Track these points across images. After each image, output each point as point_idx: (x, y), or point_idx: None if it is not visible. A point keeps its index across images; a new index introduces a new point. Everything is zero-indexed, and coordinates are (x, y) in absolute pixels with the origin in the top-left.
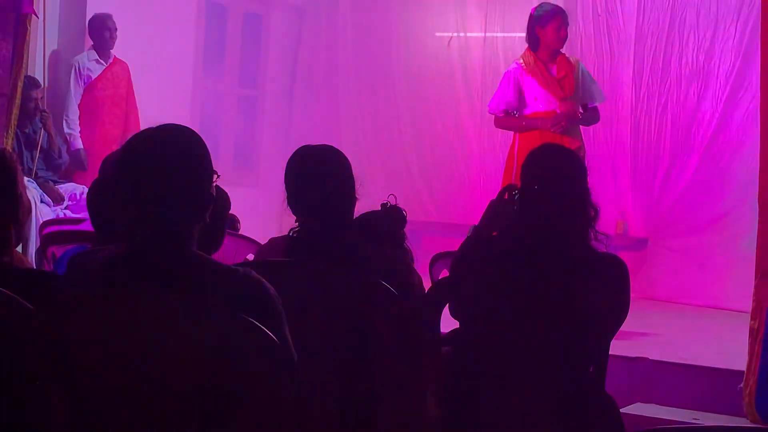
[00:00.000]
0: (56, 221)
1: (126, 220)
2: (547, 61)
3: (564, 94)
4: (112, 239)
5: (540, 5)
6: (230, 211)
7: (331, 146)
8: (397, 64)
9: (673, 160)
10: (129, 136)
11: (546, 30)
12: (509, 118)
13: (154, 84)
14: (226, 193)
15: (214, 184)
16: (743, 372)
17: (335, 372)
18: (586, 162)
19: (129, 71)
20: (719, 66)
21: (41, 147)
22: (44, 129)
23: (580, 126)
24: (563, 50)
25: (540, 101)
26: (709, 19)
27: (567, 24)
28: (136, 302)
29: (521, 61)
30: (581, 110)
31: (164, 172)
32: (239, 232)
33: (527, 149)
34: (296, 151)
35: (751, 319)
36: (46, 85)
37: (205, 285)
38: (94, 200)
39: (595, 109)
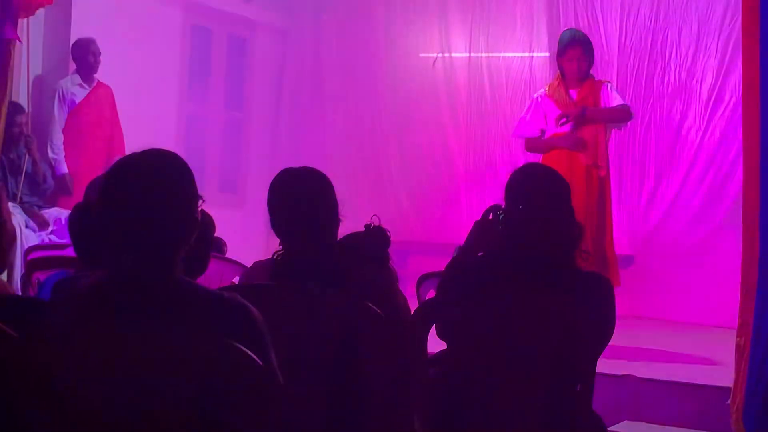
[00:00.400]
0: (41, 247)
1: (110, 245)
2: (572, 85)
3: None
4: (94, 264)
5: (562, 33)
6: (216, 234)
7: (313, 168)
8: (382, 85)
9: (659, 179)
10: (114, 160)
11: (563, 60)
12: (534, 140)
13: (139, 107)
14: (211, 217)
15: (200, 208)
16: (730, 388)
17: (322, 395)
18: (607, 185)
19: (113, 95)
20: (701, 84)
21: (26, 172)
22: (29, 154)
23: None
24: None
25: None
26: (691, 38)
27: (587, 53)
28: (122, 328)
29: (547, 86)
30: (586, 107)
31: (149, 197)
32: (226, 255)
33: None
34: (279, 173)
35: (737, 335)
36: (30, 110)
37: (191, 310)
38: (75, 225)
39: (618, 107)
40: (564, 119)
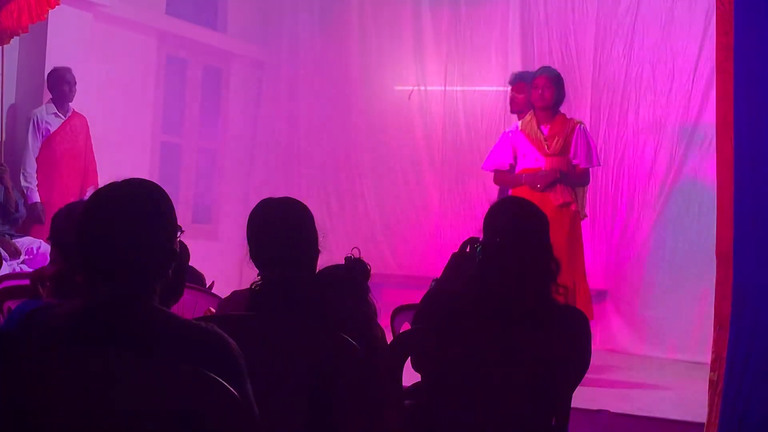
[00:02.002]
0: (12, 276)
1: (88, 274)
2: (543, 120)
3: (548, 152)
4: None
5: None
6: (191, 265)
7: (294, 199)
8: (357, 117)
9: (631, 212)
10: (87, 190)
11: (531, 92)
12: (503, 174)
13: (114, 137)
14: (186, 246)
15: (178, 239)
16: (704, 424)
17: (298, 427)
18: (577, 220)
19: (87, 125)
20: (675, 120)
21: None
22: (1, 183)
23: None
24: (564, 112)
25: (528, 158)
26: (666, 74)
27: (553, 84)
28: (97, 359)
29: (520, 121)
30: (560, 171)
31: (129, 227)
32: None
33: None
34: (258, 204)
35: (711, 370)
36: (4, 138)
37: (167, 340)
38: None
39: (584, 171)
40: (539, 186)
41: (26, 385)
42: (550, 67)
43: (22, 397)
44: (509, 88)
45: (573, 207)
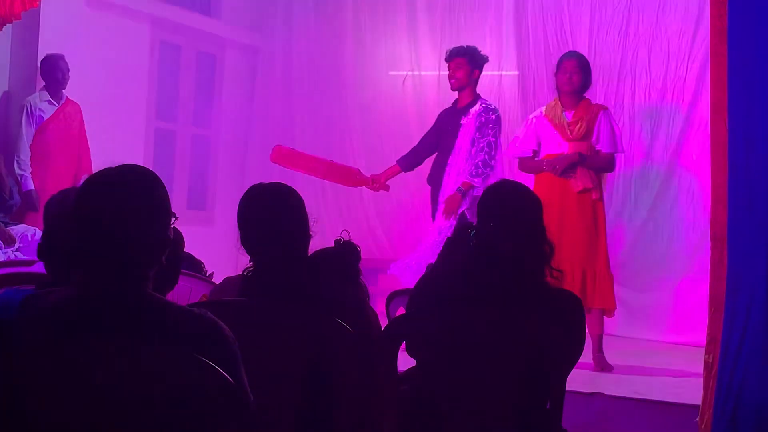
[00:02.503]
0: (7, 263)
1: (82, 261)
2: (568, 106)
3: (571, 137)
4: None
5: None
6: (190, 253)
7: (284, 184)
8: (352, 102)
9: (627, 195)
10: (81, 177)
11: (558, 74)
12: (526, 161)
13: (107, 123)
14: (180, 233)
15: (172, 226)
16: (699, 406)
17: (291, 412)
18: (600, 207)
19: (81, 112)
20: (671, 105)
21: None
22: None
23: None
24: (588, 97)
25: (551, 143)
26: (660, 58)
27: (582, 69)
28: (91, 345)
29: (544, 107)
30: (580, 154)
31: (123, 213)
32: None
33: (540, 190)
34: (248, 190)
35: (706, 353)
36: None
37: (161, 326)
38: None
39: (607, 156)
40: (557, 167)
41: (20, 372)
42: (577, 51)
43: (15, 384)
44: (452, 64)
45: (595, 194)
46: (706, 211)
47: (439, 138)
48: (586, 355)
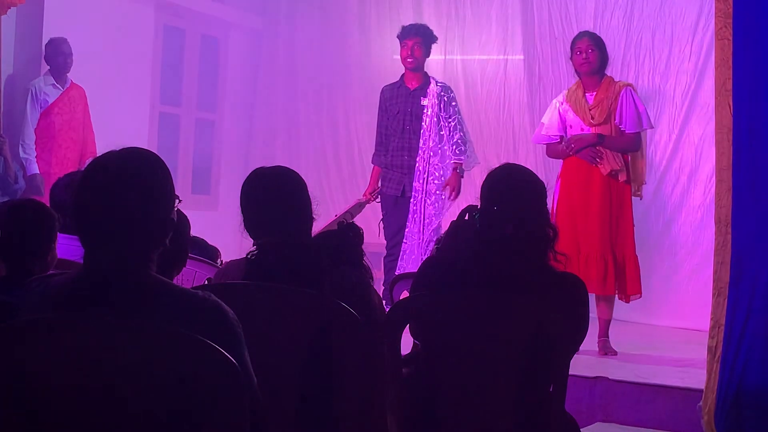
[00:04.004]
0: None
1: (85, 243)
2: (589, 87)
3: (593, 122)
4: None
5: None
6: (204, 240)
7: (286, 167)
8: (356, 86)
9: None
10: (86, 161)
11: (573, 56)
12: (553, 146)
13: (112, 107)
14: (186, 217)
15: (176, 209)
16: (702, 390)
17: (295, 394)
18: (627, 191)
19: (85, 96)
20: (675, 88)
21: None
22: (0, 154)
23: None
24: (611, 75)
25: (574, 128)
26: (665, 42)
27: (596, 47)
28: (94, 326)
29: (566, 90)
30: (600, 135)
31: (125, 195)
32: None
33: (567, 174)
34: (251, 173)
35: (709, 337)
36: (2, 109)
37: (165, 308)
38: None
39: (631, 135)
40: (572, 145)
41: (22, 353)
42: (587, 30)
43: (18, 366)
44: (411, 43)
45: (622, 177)
46: (710, 194)
47: (394, 120)
48: (589, 340)
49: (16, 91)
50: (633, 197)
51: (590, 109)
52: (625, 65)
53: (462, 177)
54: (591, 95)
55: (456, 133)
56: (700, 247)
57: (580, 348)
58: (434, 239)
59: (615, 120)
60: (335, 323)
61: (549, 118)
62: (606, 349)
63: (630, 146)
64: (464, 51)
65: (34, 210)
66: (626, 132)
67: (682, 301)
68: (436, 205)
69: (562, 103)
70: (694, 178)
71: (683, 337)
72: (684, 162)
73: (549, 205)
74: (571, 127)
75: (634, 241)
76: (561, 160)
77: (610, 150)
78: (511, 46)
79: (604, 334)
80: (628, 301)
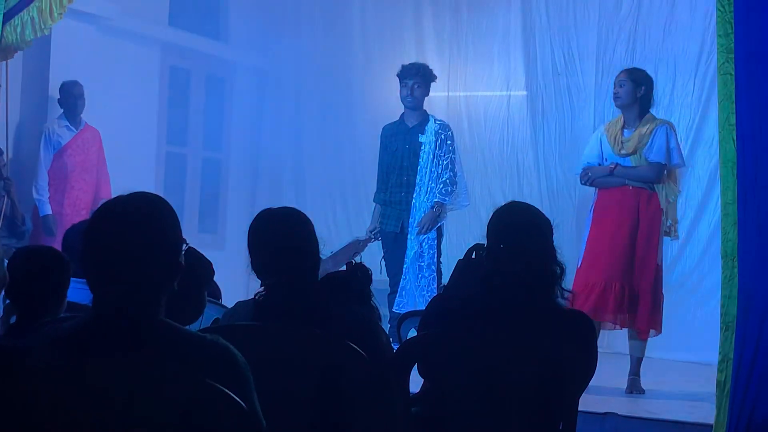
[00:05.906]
0: None
1: (92, 287)
2: (629, 123)
3: (622, 152)
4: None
5: None
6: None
7: (293, 208)
8: (361, 127)
9: None
10: (100, 203)
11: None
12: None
13: (118, 148)
14: (209, 261)
15: (199, 254)
16: (712, 425)
17: None
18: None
19: (100, 138)
20: (679, 122)
21: (4, 214)
22: (8, 196)
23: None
24: (654, 112)
25: (608, 159)
26: (668, 76)
27: (629, 80)
28: (103, 370)
29: (606, 123)
30: (616, 164)
31: (131, 240)
32: (220, 301)
33: (600, 203)
34: (258, 215)
35: (718, 371)
36: (10, 153)
37: (173, 352)
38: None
39: (652, 165)
40: (589, 174)
41: (34, 397)
42: (636, 67)
43: (30, 409)
44: (410, 82)
45: (653, 208)
46: (716, 228)
47: (393, 157)
48: (598, 375)
49: (24, 134)
50: (666, 237)
51: (623, 142)
52: None
53: (440, 216)
54: (629, 131)
55: (445, 173)
56: (708, 281)
57: (600, 384)
58: (430, 275)
59: (644, 150)
60: (344, 363)
61: (589, 146)
62: (633, 388)
63: (647, 175)
64: (467, 87)
65: (49, 257)
66: (649, 161)
67: (690, 334)
68: (429, 241)
69: (602, 133)
70: (700, 214)
71: (692, 370)
72: (691, 195)
73: (585, 234)
74: (606, 159)
75: (655, 278)
76: (595, 191)
77: (626, 179)
78: (514, 82)
79: (633, 372)
80: (642, 338)
